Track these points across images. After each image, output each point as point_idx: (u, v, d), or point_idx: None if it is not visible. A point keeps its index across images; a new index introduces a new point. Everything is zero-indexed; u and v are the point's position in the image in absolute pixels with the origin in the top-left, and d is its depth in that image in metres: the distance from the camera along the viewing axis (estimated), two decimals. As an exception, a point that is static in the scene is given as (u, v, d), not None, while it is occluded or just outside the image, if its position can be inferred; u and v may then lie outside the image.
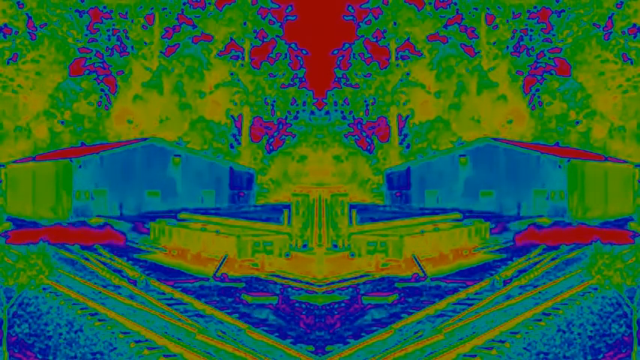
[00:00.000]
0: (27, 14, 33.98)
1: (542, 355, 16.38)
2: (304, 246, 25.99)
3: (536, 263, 25.16)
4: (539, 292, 21.65)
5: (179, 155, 35.08)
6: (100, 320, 18.92)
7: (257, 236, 24.94)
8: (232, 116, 38.51)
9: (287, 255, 25.08)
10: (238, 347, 16.65)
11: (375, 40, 38.27)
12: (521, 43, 36.76)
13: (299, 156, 38.05)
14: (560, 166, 32.11)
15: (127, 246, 28.57)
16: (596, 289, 21.20)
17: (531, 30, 36.46)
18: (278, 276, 23.46)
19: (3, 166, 33.20)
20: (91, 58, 36.19)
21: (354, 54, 38.24)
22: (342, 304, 20.60)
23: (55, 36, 34.85)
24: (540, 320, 18.85)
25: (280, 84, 38.46)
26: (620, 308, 19.15)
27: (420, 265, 23.73)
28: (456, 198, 35.02)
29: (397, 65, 38.23)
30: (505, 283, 22.69)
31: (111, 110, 36.73)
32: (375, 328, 18.34)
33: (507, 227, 29.70)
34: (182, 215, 31.56)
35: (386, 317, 19.34)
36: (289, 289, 22.08)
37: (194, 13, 37.59)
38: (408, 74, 38.26)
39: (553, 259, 25.78)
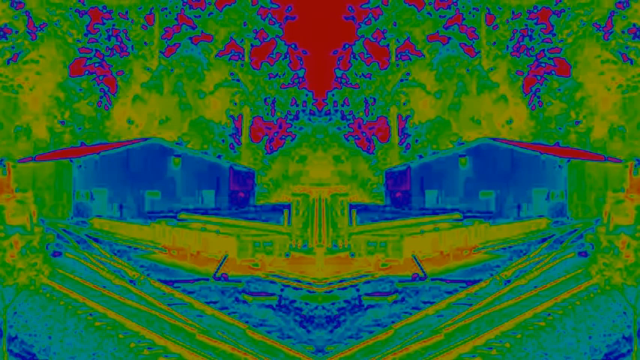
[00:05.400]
0: (27, 14, 33.97)
1: (542, 356, 16.38)
2: (304, 246, 25.98)
3: (536, 263, 25.15)
4: (539, 292, 21.65)
5: (179, 155, 35.07)
6: (100, 320, 18.92)
7: (257, 236, 24.92)
8: (232, 116, 38.51)
9: (287, 255, 25.06)
10: (238, 347, 16.64)
11: (375, 40, 38.29)
12: (521, 43, 36.77)
13: (299, 156, 38.07)
14: (560, 166, 32.11)
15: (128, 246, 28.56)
16: (596, 289, 21.20)
17: (531, 30, 36.46)
18: (278, 276, 23.45)
19: (3, 165, 33.17)
20: (91, 58, 36.21)
21: (354, 54, 38.27)
22: (342, 304, 20.59)
23: (55, 36, 34.85)
24: (540, 320, 18.85)
25: (280, 84, 38.47)
26: (620, 308, 19.16)
27: (420, 265, 23.72)
28: (456, 198, 35.01)
29: (397, 65, 38.23)
30: (505, 283, 22.68)
31: (111, 110, 36.73)
32: (375, 328, 18.34)
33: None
34: (182, 215, 31.55)
35: (386, 317, 19.33)
36: (289, 289, 22.08)
37: (194, 13, 37.59)
38: (408, 74, 38.26)
39: (553, 259, 25.76)
